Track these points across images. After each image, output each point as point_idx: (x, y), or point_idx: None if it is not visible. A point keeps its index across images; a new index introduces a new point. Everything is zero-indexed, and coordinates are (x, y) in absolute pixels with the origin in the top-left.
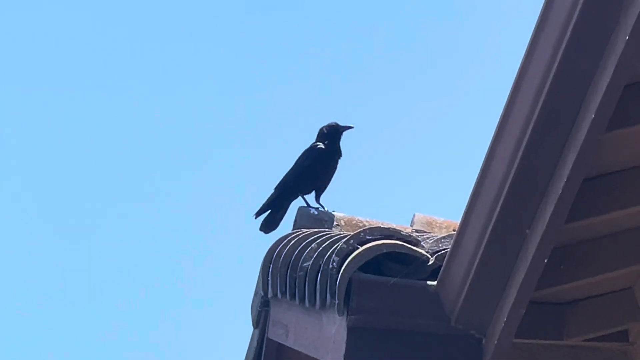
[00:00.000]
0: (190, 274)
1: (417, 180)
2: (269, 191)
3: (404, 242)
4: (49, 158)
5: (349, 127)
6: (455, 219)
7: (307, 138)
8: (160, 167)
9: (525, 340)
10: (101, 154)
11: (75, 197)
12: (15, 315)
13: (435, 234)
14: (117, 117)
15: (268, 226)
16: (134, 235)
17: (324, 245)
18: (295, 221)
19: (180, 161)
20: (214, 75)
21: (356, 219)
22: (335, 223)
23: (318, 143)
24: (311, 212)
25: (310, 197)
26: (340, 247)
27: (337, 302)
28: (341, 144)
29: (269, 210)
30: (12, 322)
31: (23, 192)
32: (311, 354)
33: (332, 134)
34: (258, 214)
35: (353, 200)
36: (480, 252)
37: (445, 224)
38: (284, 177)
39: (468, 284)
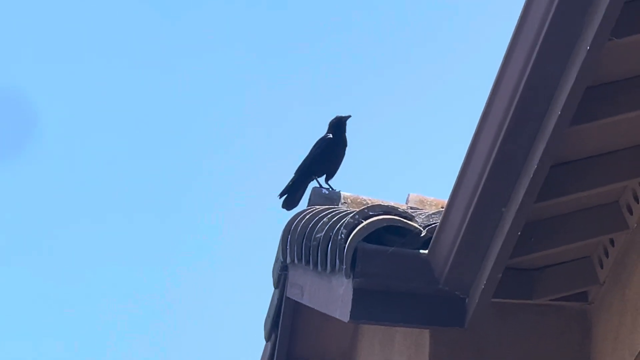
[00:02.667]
0: (218, 244)
1: (411, 165)
2: (289, 174)
3: (400, 217)
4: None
5: (348, 117)
6: (443, 198)
7: (320, 127)
8: (197, 144)
9: (501, 300)
10: (133, 136)
11: (95, 177)
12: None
13: (427, 211)
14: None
15: (289, 204)
16: (169, 207)
17: (334, 219)
18: (309, 199)
19: (215, 143)
20: (220, 74)
21: (361, 197)
22: (343, 201)
23: (328, 134)
24: (323, 192)
25: (323, 180)
26: (347, 221)
27: (344, 267)
28: (348, 134)
29: (290, 191)
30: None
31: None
32: (322, 310)
33: (338, 126)
34: (282, 194)
35: (358, 181)
36: (465, 226)
37: (435, 202)
38: (302, 163)
39: (454, 253)
